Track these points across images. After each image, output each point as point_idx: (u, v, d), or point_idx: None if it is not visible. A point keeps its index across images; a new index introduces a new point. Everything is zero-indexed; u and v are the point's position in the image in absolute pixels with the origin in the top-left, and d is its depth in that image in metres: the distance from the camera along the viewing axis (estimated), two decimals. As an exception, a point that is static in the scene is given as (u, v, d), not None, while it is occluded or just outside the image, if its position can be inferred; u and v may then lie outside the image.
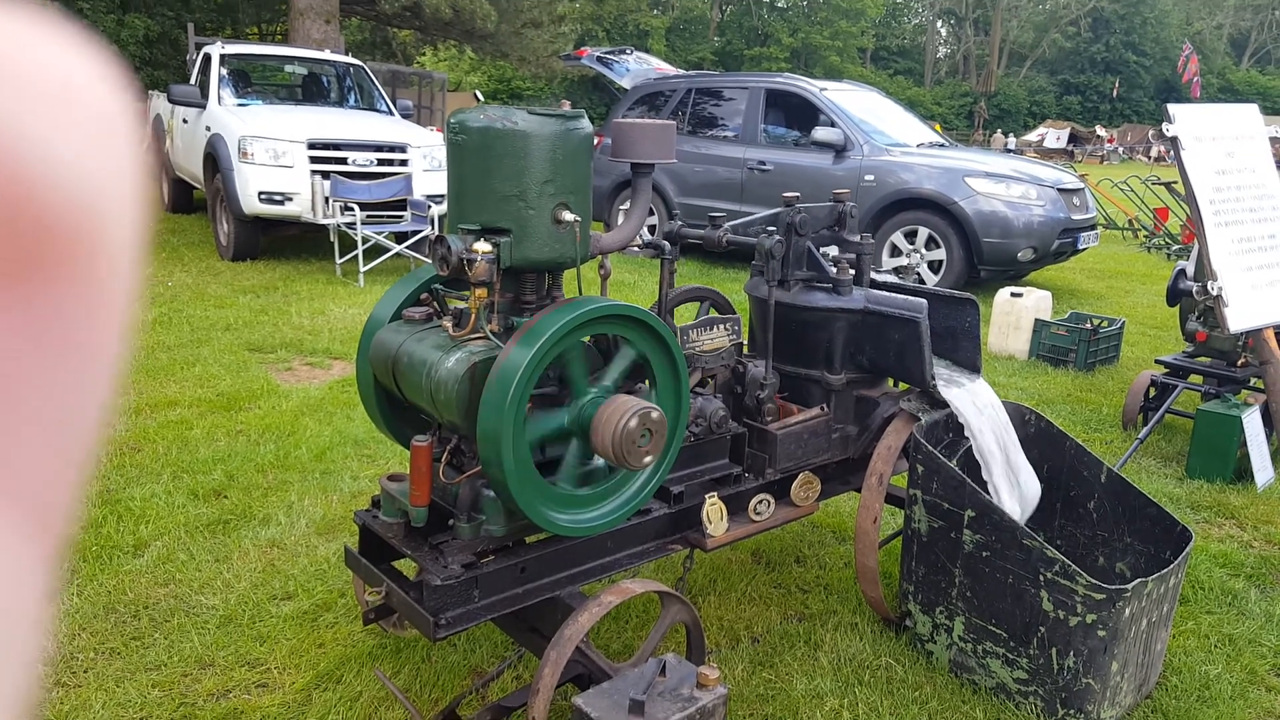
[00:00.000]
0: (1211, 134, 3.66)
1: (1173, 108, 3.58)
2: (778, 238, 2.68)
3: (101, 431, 0.23)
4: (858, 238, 2.90)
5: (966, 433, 2.71)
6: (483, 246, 1.96)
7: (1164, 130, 3.55)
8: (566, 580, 2.22)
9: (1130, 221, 13.17)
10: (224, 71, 8.95)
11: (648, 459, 1.99)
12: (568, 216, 2.05)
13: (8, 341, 0.20)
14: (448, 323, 2.09)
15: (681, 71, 11.15)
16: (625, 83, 10.43)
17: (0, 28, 0.20)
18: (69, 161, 0.20)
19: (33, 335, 0.20)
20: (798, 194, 2.90)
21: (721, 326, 2.67)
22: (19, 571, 0.20)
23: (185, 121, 9.13)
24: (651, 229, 9.28)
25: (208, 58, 9.08)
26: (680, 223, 2.94)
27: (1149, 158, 37.37)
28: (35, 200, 0.19)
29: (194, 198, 10.52)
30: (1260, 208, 3.85)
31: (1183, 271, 4.52)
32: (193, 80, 9.37)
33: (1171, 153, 3.64)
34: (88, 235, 0.21)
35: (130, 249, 0.22)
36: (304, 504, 3.47)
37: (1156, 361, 4.89)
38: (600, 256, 2.37)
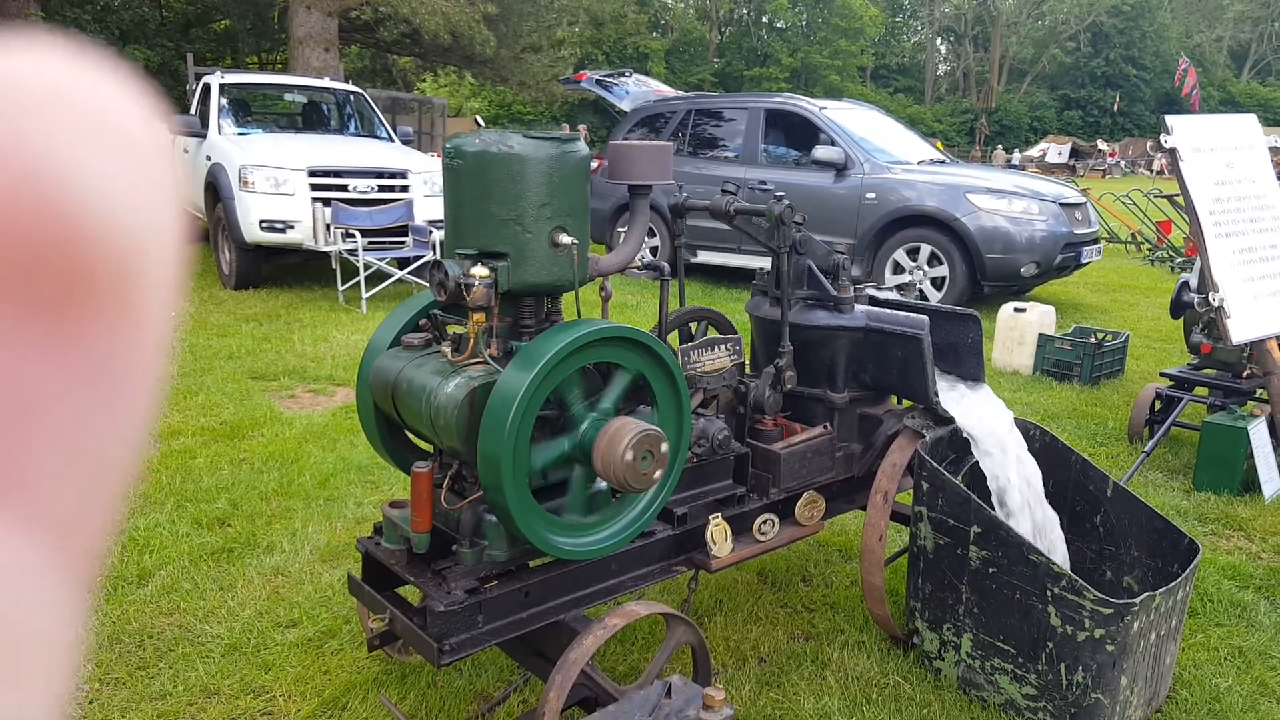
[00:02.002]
0: (1210, 145, 3.66)
1: (1171, 119, 3.59)
2: (787, 203, 2.66)
3: (135, 463, 0.23)
4: (850, 294, 2.80)
5: (982, 456, 2.71)
6: (480, 271, 1.96)
7: (1162, 142, 3.56)
8: (571, 604, 2.21)
9: (1133, 235, 13.17)
10: (224, 101, 9.02)
11: (649, 481, 1.98)
12: (565, 239, 2.05)
13: (47, 375, 0.20)
14: (446, 348, 2.10)
15: (681, 93, 11.21)
16: (625, 105, 10.49)
17: (40, 61, 0.20)
18: (109, 194, 0.20)
19: (71, 369, 0.20)
20: (804, 216, 2.88)
21: (723, 347, 2.67)
22: (52, 601, 0.20)
23: (186, 151, 9.19)
24: (653, 250, 9.31)
25: (207, 87, 9.15)
26: (686, 194, 2.91)
27: (1151, 171, 37.43)
28: (75, 233, 0.19)
29: (196, 227, 10.58)
30: (1261, 218, 3.85)
31: (1186, 284, 4.52)
32: (193, 110, 9.44)
33: (1172, 165, 3.65)
34: (127, 269, 0.21)
35: (169, 282, 0.22)
36: (308, 531, 3.47)
37: (1161, 374, 4.88)
38: (601, 279, 2.38)
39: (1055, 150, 42.14)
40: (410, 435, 2.39)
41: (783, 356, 2.69)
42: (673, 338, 3.00)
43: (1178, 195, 9.80)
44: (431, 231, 7.74)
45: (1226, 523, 3.83)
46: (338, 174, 7.89)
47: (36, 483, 0.20)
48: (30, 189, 0.19)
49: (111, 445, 0.21)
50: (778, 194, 2.72)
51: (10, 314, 0.19)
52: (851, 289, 2.78)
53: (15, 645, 0.19)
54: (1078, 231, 8.03)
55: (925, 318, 2.68)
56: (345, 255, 7.63)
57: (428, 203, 8.09)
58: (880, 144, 8.78)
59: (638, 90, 10.87)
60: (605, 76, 11.26)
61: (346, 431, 4.58)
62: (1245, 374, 4.44)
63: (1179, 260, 11.50)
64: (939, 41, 62.49)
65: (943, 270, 7.87)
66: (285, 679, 2.58)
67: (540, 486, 2.08)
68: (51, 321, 0.20)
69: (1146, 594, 2.31)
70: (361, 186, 7.94)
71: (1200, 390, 4.62)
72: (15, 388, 0.20)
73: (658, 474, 1.99)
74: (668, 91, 11.23)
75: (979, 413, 2.75)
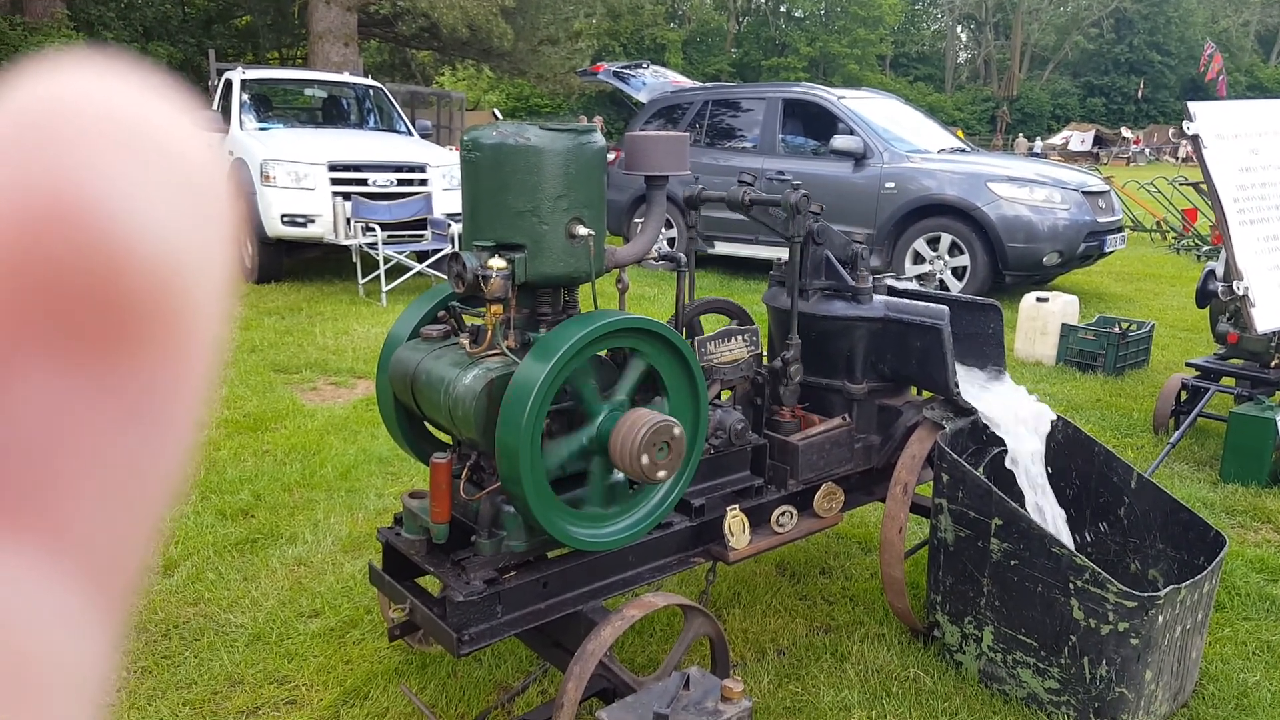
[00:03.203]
0: (1234, 131, 3.60)
1: (1193, 105, 3.53)
2: (803, 192, 2.64)
3: (173, 499, 0.22)
4: (870, 284, 2.78)
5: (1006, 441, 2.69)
6: (497, 263, 1.97)
7: (1185, 128, 3.51)
8: (589, 595, 2.22)
9: (1158, 223, 13.01)
10: (245, 96, 9.08)
11: (665, 473, 1.98)
12: (582, 231, 2.05)
13: (85, 410, 0.20)
14: (465, 339, 2.10)
15: (698, 84, 11.17)
16: (642, 96, 10.46)
17: (91, 85, 0.20)
18: (159, 226, 0.20)
19: (110, 403, 0.20)
20: (821, 206, 2.88)
21: (740, 338, 2.66)
22: (84, 637, 0.20)
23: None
24: (670, 241, 9.29)
25: (229, 83, 9.21)
26: (701, 186, 2.91)
27: (1176, 158, 36.94)
28: (122, 267, 0.19)
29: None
30: (1287, 205, 3.79)
31: (1212, 273, 4.46)
32: (215, 106, 9.51)
33: (1195, 152, 3.60)
34: (173, 302, 0.20)
35: (217, 317, 0.22)
36: (330, 522, 3.49)
37: (1187, 364, 4.82)
38: (618, 270, 2.37)
39: (1078, 138, 41.66)
40: (429, 426, 2.40)
41: (789, 349, 2.67)
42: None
43: (1203, 182, 9.68)
44: (450, 225, 7.77)
45: (1254, 515, 3.78)
46: (358, 168, 7.93)
47: (72, 519, 0.20)
48: (72, 219, 0.19)
49: (149, 482, 0.21)
50: (794, 183, 2.71)
51: (49, 347, 0.19)
52: (870, 279, 2.76)
53: (46, 682, 0.19)
54: (1101, 220, 7.94)
55: (945, 308, 2.65)
56: (365, 249, 7.67)
57: (446, 196, 8.12)
58: (899, 133, 8.71)
59: (655, 81, 10.84)
60: (622, 68, 11.23)
61: (367, 423, 4.60)
62: (1273, 364, 4.38)
63: (1205, 249, 11.35)
64: (959, 29, 61.89)
65: (964, 260, 7.80)
66: (308, 668, 2.60)
67: (558, 478, 2.08)
68: (91, 355, 0.20)
69: (1171, 587, 2.29)
70: (381, 180, 7.97)
71: (1227, 380, 4.55)
72: (52, 422, 0.19)
73: (666, 473, 1.99)
74: (685, 82, 11.19)
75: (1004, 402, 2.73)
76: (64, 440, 0.19)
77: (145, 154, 0.20)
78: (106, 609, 0.21)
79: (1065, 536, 2.72)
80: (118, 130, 0.19)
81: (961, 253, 7.81)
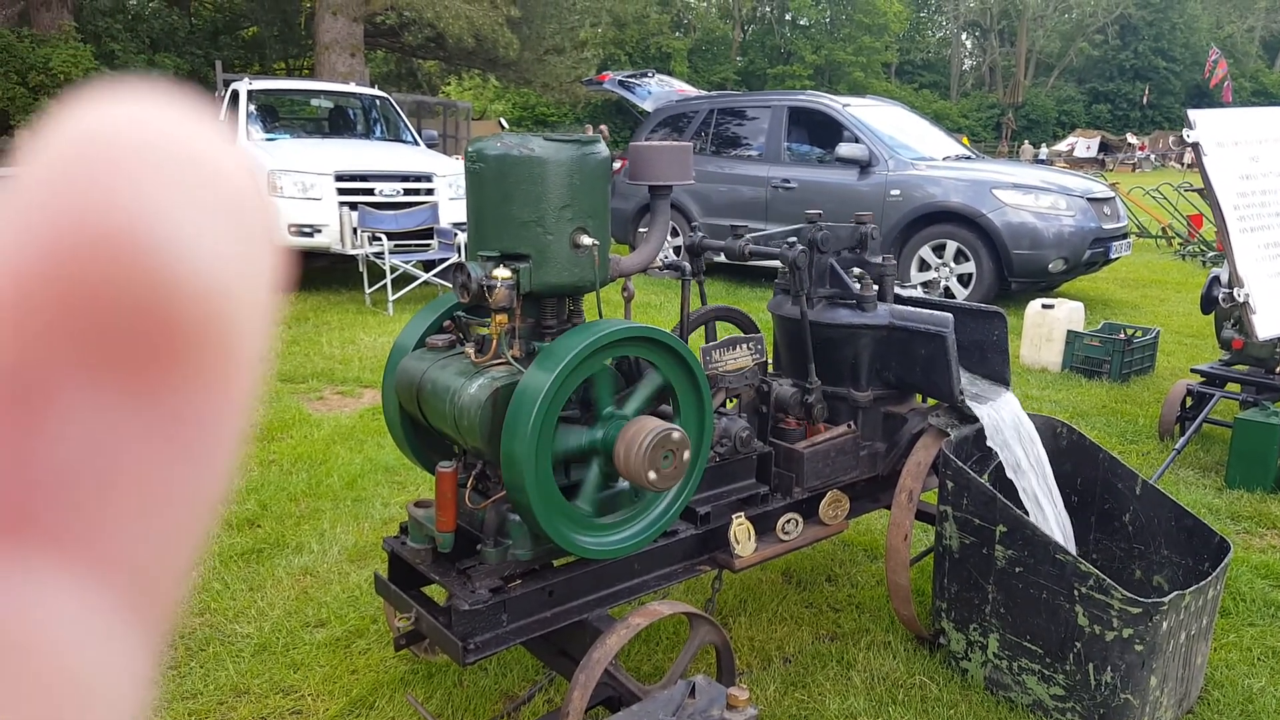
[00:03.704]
0: (1235, 138, 3.61)
1: (1194, 113, 3.54)
2: (801, 248, 2.67)
3: (212, 523, 0.23)
4: (880, 259, 2.89)
5: (994, 449, 2.69)
6: (502, 273, 1.98)
7: (1185, 136, 3.52)
8: (594, 603, 2.23)
9: (1163, 229, 12.99)
10: (252, 107, 9.13)
11: (670, 481, 1.99)
12: (586, 241, 2.07)
13: (128, 436, 0.20)
14: (470, 349, 2.11)
15: (704, 92, 11.20)
16: (647, 105, 10.50)
17: (137, 111, 0.20)
18: (205, 252, 0.20)
19: (153, 429, 0.20)
20: (820, 211, 2.90)
21: (745, 346, 2.67)
22: (125, 658, 0.20)
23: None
24: (677, 250, 9.31)
25: (236, 94, 9.26)
26: (702, 234, 2.94)
27: (1182, 164, 36.88)
28: (165, 291, 0.19)
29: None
30: (1289, 212, 3.79)
31: (1217, 279, 4.45)
32: (221, 116, 9.54)
33: (1195, 160, 3.60)
34: (216, 329, 0.20)
35: (259, 342, 0.22)
36: (336, 532, 3.50)
37: (1193, 371, 4.81)
38: (623, 279, 2.39)
39: (1084, 144, 41.64)
40: (435, 435, 2.42)
41: (811, 392, 2.69)
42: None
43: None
44: (457, 234, 7.79)
45: (1260, 521, 3.77)
46: (364, 178, 7.97)
47: (115, 543, 0.20)
48: (120, 246, 0.19)
49: (191, 507, 0.21)
50: (789, 240, 2.73)
51: (96, 373, 0.19)
52: (874, 286, 2.77)
53: (89, 705, 0.19)
54: (1106, 226, 7.93)
55: (949, 315, 2.66)
56: (372, 258, 7.70)
57: (453, 205, 8.15)
58: (905, 140, 8.72)
59: (660, 90, 10.87)
60: (628, 77, 11.27)
61: (374, 433, 4.62)
62: (1279, 370, 4.37)
63: (1210, 255, 11.32)
64: (964, 36, 61.94)
65: (969, 267, 7.80)
66: (314, 678, 2.61)
67: (564, 486, 2.09)
68: (138, 381, 0.20)
69: (1176, 593, 2.29)
70: (387, 190, 8.00)
71: (1232, 386, 4.55)
72: (98, 447, 0.19)
73: (671, 481, 1.99)
74: (690, 91, 11.22)
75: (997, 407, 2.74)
76: (109, 466, 0.20)
77: (190, 181, 0.20)
78: (147, 633, 0.21)
79: (1063, 528, 2.73)
80: (163, 157, 0.20)
81: (967, 260, 7.82)
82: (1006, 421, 2.69)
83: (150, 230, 0.19)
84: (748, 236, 2.87)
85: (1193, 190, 11.39)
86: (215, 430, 0.21)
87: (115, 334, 0.19)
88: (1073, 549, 2.69)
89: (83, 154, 0.19)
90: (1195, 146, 3.51)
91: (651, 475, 1.94)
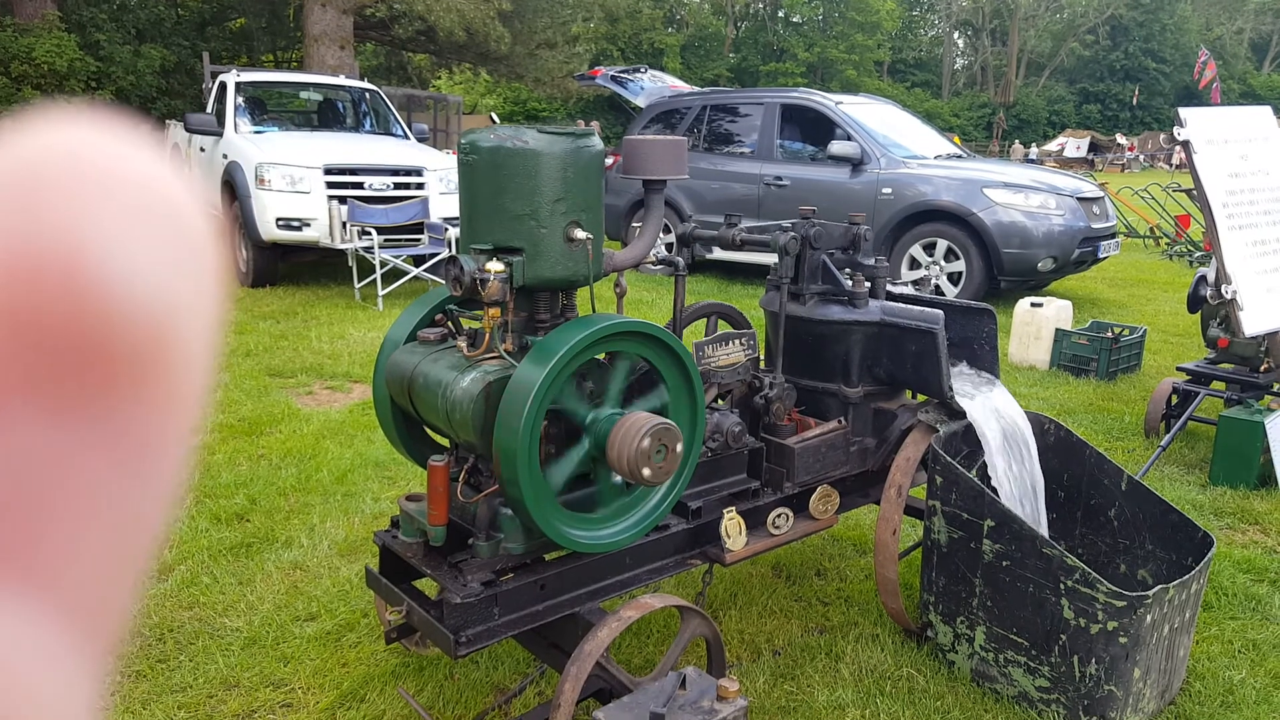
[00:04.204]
0: (1224, 137, 3.64)
1: (1184, 111, 3.57)
2: (792, 234, 2.68)
3: (158, 545, 0.23)
4: (872, 260, 2.89)
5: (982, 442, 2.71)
6: (495, 266, 1.98)
7: (1176, 134, 3.54)
8: (586, 596, 2.24)
9: (1151, 229, 13.07)
10: (240, 99, 9.07)
11: (663, 475, 2.00)
12: (580, 234, 2.07)
13: (69, 458, 0.20)
14: (462, 343, 2.12)
15: (696, 89, 11.20)
16: (640, 101, 10.49)
17: (81, 137, 0.20)
18: (147, 276, 0.20)
19: (95, 451, 0.20)
20: (814, 208, 2.92)
21: (737, 341, 2.68)
22: (72, 687, 0.20)
23: (202, 150, 9.25)
24: (669, 246, 9.31)
25: (224, 86, 9.20)
26: (694, 224, 2.95)
27: (1170, 165, 37.06)
28: (106, 315, 0.19)
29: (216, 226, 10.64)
30: (1275, 210, 3.83)
31: (1203, 278, 4.49)
32: (209, 109, 9.50)
33: (1185, 158, 3.63)
34: (164, 353, 0.20)
35: (203, 366, 0.22)
36: (325, 526, 3.50)
37: (1178, 369, 4.85)
38: (615, 274, 2.39)
39: (1074, 144, 41.76)
40: (427, 430, 2.42)
41: (773, 388, 2.70)
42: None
43: (1194, 189, 9.72)
44: (447, 229, 7.78)
45: (1242, 517, 3.81)
46: (354, 171, 7.93)
47: (59, 565, 0.20)
48: (62, 270, 0.19)
49: (136, 528, 0.21)
50: (783, 225, 2.74)
51: (37, 396, 0.19)
52: (872, 270, 2.79)
53: None
54: (1095, 226, 7.98)
55: (940, 312, 2.68)
56: (361, 252, 7.68)
57: (443, 200, 8.12)
58: (897, 139, 8.75)
59: (653, 86, 10.87)
60: (620, 72, 11.26)
61: (363, 427, 4.62)
62: (1263, 368, 4.41)
63: (1197, 255, 11.40)
64: (956, 35, 62.05)
65: (959, 265, 7.84)
66: (304, 671, 2.61)
67: (564, 487, 2.10)
68: (80, 404, 0.20)
69: (1160, 586, 2.31)
70: (377, 184, 7.98)
71: (1217, 384, 4.59)
72: (40, 470, 0.19)
73: (663, 475, 2.00)
74: (683, 87, 11.21)
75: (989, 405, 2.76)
76: (52, 488, 0.20)
77: (133, 205, 0.20)
78: (94, 654, 0.21)
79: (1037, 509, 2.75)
80: (106, 182, 0.20)
81: (957, 258, 7.85)
82: (995, 408, 2.72)
83: (91, 254, 0.19)
84: (741, 226, 2.87)
85: (1180, 190, 11.45)
86: (159, 451, 0.21)
87: (56, 356, 0.19)
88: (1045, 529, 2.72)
89: (22, 178, 0.19)
90: (1186, 144, 3.54)
91: (645, 470, 1.94)
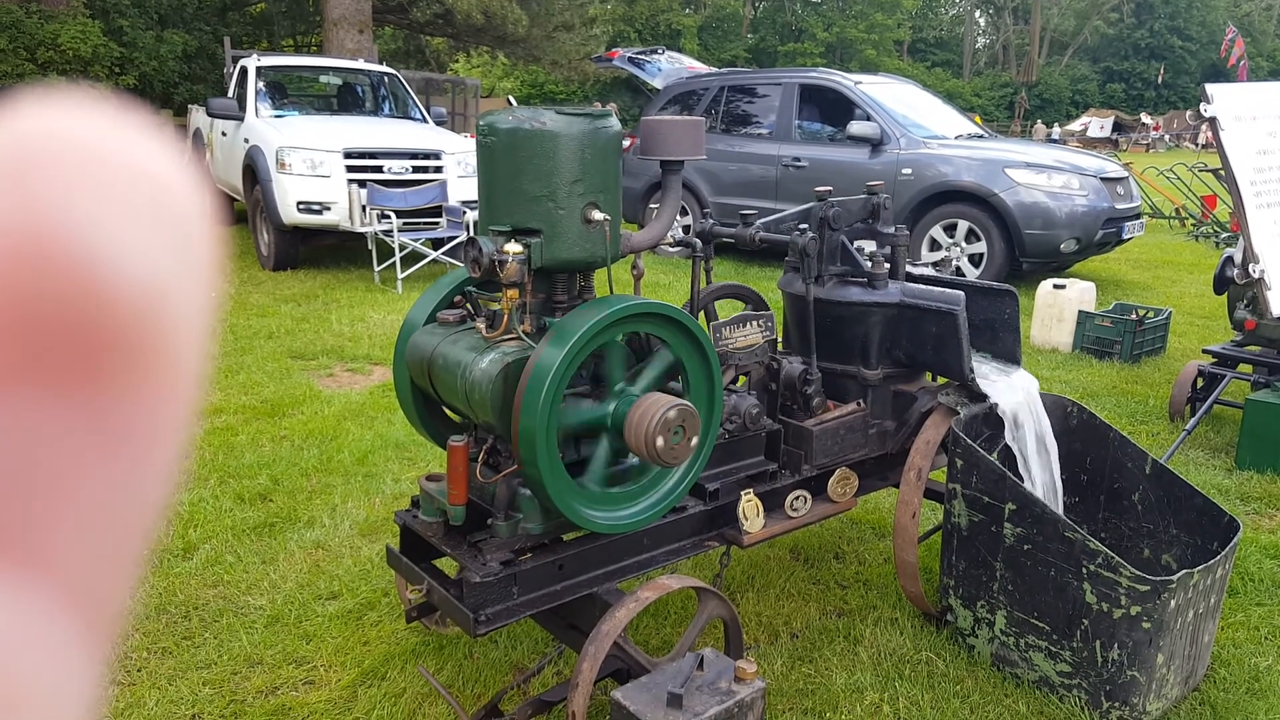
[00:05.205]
0: (1252, 113, 3.58)
1: (1211, 87, 3.51)
2: (811, 235, 2.67)
3: (156, 528, 0.22)
4: (892, 229, 2.88)
5: (1006, 428, 2.69)
6: (513, 247, 1.98)
7: (1202, 110, 3.48)
8: (604, 577, 2.24)
9: (1177, 210, 12.90)
10: (261, 84, 9.10)
11: (680, 456, 2.00)
12: (597, 216, 2.06)
13: (63, 442, 0.20)
14: (481, 324, 2.12)
15: (714, 69, 11.13)
16: (657, 83, 10.43)
17: (72, 118, 0.20)
18: (138, 257, 0.20)
19: (92, 436, 0.20)
20: (829, 188, 2.89)
21: (755, 323, 2.67)
22: (70, 671, 0.20)
23: (224, 134, 9.30)
24: (686, 229, 9.28)
25: (244, 70, 9.24)
26: (712, 220, 2.95)
27: (1196, 144, 36.52)
28: (102, 298, 0.19)
29: (234, 209, 10.73)
30: (1306, 189, 3.76)
31: (1230, 259, 4.42)
32: (230, 93, 9.54)
33: (1212, 134, 3.57)
34: (155, 334, 0.20)
35: (197, 347, 0.22)
36: (347, 506, 3.53)
37: (1204, 351, 4.79)
38: (633, 256, 2.38)
39: (1097, 124, 41.23)
40: (446, 410, 2.43)
41: (809, 383, 2.68)
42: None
43: (1221, 168, 9.57)
44: (465, 212, 7.78)
45: (1269, 502, 3.77)
46: (373, 155, 7.95)
47: (52, 548, 0.20)
48: (52, 252, 0.19)
49: (131, 511, 0.21)
50: (800, 226, 2.72)
51: (28, 379, 0.19)
52: (885, 265, 2.77)
53: (29, 713, 0.19)
54: (1119, 206, 7.88)
55: (960, 293, 2.65)
56: (381, 236, 7.70)
57: (462, 183, 8.13)
58: (917, 119, 8.66)
59: (670, 67, 10.81)
60: (638, 54, 11.20)
61: (384, 409, 4.64)
62: (1291, 350, 4.35)
63: (1224, 235, 11.25)
64: (977, 14, 61.28)
65: (981, 247, 7.76)
66: (326, 649, 2.64)
67: (574, 460, 2.10)
68: (72, 386, 0.19)
69: (1184, 571, 2.29)
70: (396, 168, 7.99)
71: (1244, 367, 4.53)
72: (32, 453, 0.19)
73: (681, 457, 2.00)
74: (701, 68, 11.14)
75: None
76: (44, 471, 0.19)
77: (124, 186, 0.20)
78: (89, 638, 0.21)
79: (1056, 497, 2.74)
80: (97, 163, 0.20)
81: (978, 239, 7.78)
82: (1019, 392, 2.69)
83: (82, 236, 0.19)
84: (758, 223, 2.86)
85: (1207, 170, 11.29)
86: (152, 434, 0.21)
87: (46, 340, 0.19)
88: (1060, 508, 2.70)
89: (13, 160, 0.19)
90: (1212, 121, 3.48)
91: (662, 449, 1.94)
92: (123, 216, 0.20)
